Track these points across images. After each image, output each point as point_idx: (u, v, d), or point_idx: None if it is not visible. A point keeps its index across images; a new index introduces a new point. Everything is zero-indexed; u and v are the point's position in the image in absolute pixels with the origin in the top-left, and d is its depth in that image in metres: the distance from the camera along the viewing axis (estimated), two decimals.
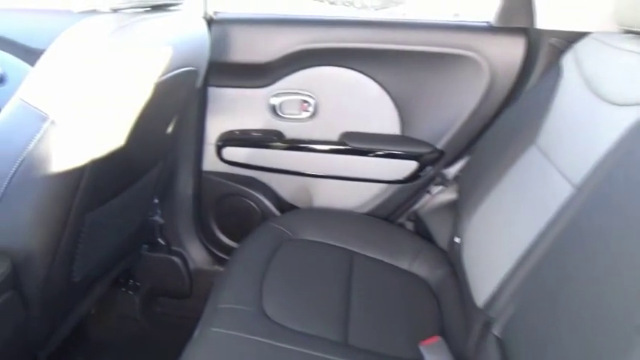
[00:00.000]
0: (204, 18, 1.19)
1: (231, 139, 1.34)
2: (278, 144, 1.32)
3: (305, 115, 1.31)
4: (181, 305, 1.48)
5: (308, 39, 1.24)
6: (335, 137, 1.31)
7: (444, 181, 1.30)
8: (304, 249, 1.11)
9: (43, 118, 0.70)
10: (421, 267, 1.11)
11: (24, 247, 0.76)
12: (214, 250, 1.46)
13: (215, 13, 1.28)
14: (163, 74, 0.85)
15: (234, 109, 1.33)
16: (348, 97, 1.29)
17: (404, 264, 1.11)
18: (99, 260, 1.05)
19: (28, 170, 0.72)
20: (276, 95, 1.30)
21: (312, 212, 1.31)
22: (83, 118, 0.73)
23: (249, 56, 1.26)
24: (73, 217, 0.81)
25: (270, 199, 1.38)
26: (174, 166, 1.35)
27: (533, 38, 1.14)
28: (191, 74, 1.01)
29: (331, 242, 1.13)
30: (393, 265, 1.11)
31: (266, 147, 1.33)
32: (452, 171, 1.30)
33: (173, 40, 0.88)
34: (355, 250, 1.12)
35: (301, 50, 1.24)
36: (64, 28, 0.74)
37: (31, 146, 0.71)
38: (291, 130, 1.32)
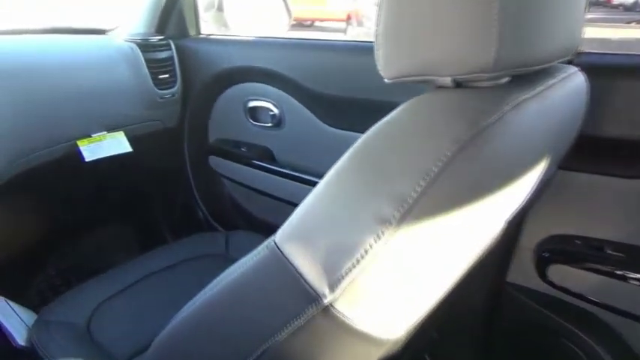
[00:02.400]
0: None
1: (568, 251, 0.85)
2: None
3: None
4: None
5: None
6: None
7: None
8: None
9: (313, 299, 0.37)
10: None
11: None
12: None
13: (576, 53, 0.81)
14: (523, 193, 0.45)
15: (581, 205, 0.83)
16: None
17: None
18: None
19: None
20: None
21: None
22: (377, 300, 0.37)
23: (630, 129, 0.75)
24: None
25: (616, 357, 0.84)
26: None
27: None
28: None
29: None
30: None
31: (630, 278, 0.79)
32: None
33: (552, 133, 0.47)
34: None
35: None
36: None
37: (284, 333, 0.39)
38: None
